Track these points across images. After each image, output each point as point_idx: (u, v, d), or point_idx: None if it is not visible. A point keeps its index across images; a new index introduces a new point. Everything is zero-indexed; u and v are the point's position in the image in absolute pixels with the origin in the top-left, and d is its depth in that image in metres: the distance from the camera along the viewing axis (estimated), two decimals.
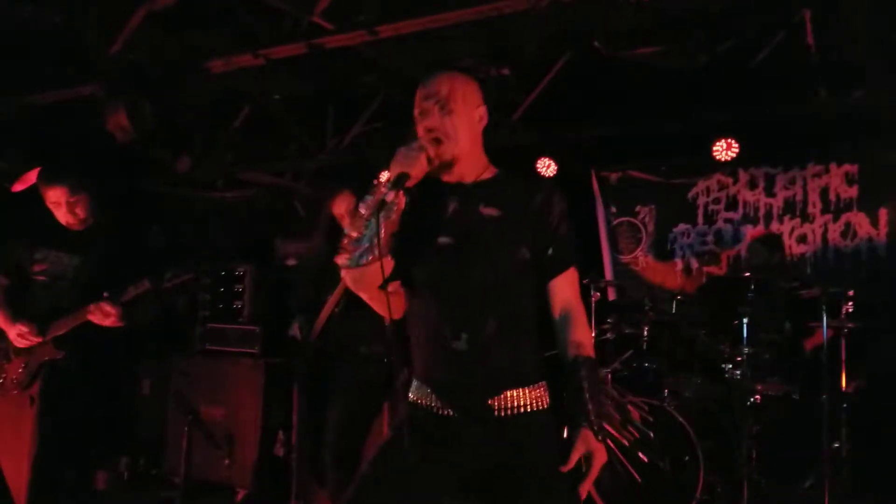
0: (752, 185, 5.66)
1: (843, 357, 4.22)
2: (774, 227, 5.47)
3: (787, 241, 5.39)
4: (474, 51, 4.17)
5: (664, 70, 4.51)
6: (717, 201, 5.75)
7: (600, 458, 1.98)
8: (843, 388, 4.23)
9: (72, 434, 3.21)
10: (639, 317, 4.73)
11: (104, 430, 3.46)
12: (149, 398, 5.63)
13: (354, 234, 1.99)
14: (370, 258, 1.97)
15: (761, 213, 5.61)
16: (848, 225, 5.32)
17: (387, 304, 2.02)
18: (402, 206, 1.97)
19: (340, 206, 3.55)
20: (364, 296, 2.15)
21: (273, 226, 6.13)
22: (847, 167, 5.36)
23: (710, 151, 5.01)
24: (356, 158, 5.37)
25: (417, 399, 2.11)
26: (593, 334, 5.06)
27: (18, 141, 4.60)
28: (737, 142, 4.96)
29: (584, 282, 5.05)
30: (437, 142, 2.05)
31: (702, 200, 5.78)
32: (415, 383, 2.14)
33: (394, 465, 2.03)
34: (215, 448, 5.06)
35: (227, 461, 5.03)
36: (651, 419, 4.14)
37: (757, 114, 4.92)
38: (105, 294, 3.14)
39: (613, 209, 6.10)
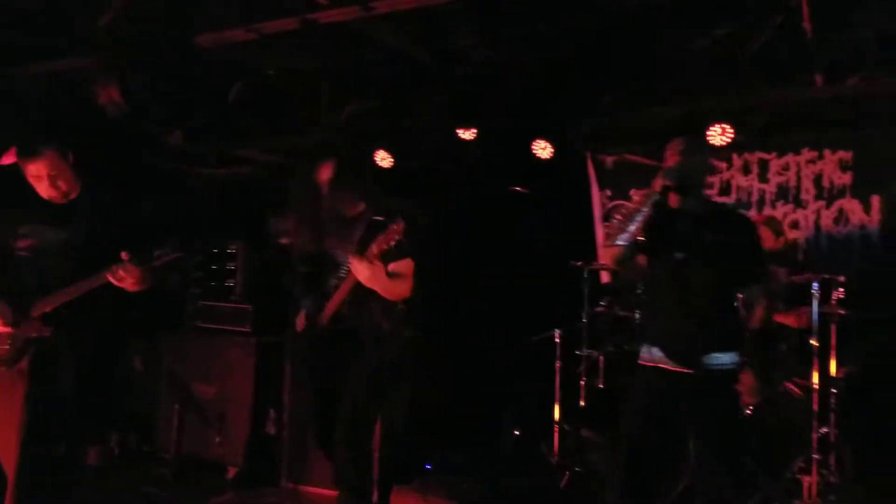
0: (746, 170, 5.65)
1: (834, 343, 4.24)
2: (767, 212, 5.47)
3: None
4: (470, 28, 4.14)
5: (662, 54, 4.49)
6: (710, 186, 5.73)
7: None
8: (833, 374, 4.25)
9: (61, 410, 3.20)
10: (632, 299, 4.73)
11: (95, 406, 3.44)
12: (140, 375, 5.62)
13: (619, 223, 3.01)
14: (622, 241, 2.97)
15: (754, 198, 5.61)
16: (841, 211, 5.32)
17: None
18: (648, 216, 2.96)
19: (325, 173, 3.56)
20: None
21: (267, 203, 6.09)
22: (841, 154, 5.35)
23: (705, 136, 4.99)
24: (351, 135, 5.34)
25: (648, 363, 3.09)
26: (585, 319, 5.10)
27: (7, 114, 4.54)
28: (731, 127, 4.95)
29: (578, 264, 5.06)
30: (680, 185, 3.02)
31: None
32: (645, 348, 3.12)
33: (636, 420, 3.06)
34: (206, 426, 5.06)
35: (218, 439, 5.04)
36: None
37: (752, 99, 4.91)
38: (125, 255, 3.11)
39: (608, 192, 6.09)
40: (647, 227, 2.96)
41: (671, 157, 3.09)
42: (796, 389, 4.31)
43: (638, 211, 2.98)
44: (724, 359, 3.00)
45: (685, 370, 2.99)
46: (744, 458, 3.15)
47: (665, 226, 3.02)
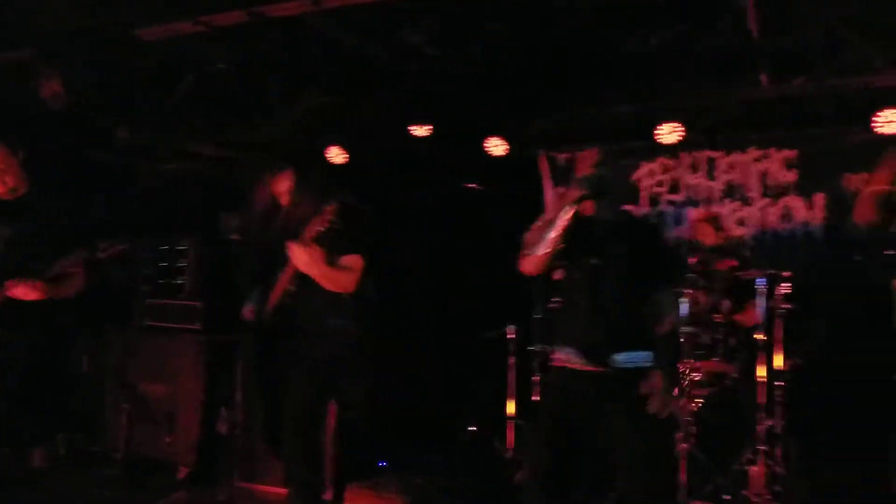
0: (695, 168, 5.76)
1: (779, 337, 4.34)
2: (715, 209, 5.58)
3: (727, 223, 5.50)
4: (425, 26, 4.13)
5: (612, 54, 4.54)
6: (660, 184, 5.83)
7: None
8: (779, 367, 4.35)
9: (3, 410, 3.12)
10: None
11: (39, 405, 3.37)
12: (87, 374, 5.50)
13: (536, 232, 3.04)
14: (544, 250, 3.01)
15: (702, 196, 5.72)
16: (786, 209, 5.46)
17: None
18: (566, 224, 2.98)
19: (282, 184, 3.56)
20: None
21: (217, 199, 6.01)
22: (786, 152, 5.49)
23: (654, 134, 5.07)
24: (303, 130, 5.29)
25: (560, 363, 3.13)
26: (538, 315, 5.14)
27: None
28: (681, 125, 5.03)
29: None
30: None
31: (645, 183, 5.86)
32: (558, 349, 3.16)
33: (549, 420, 3.10)
34: (156, 425, 4.98)
35: (168, 438, 4.96)
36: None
37: (700, 98, 5.00)
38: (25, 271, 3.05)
39: (562, 190, 6.15)
40: (566, 235, 3.01)
41: (585, 167, 3.15)
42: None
43: (555, 219, 3.03)
44: (635, 357, 3.06)
45: (596, 369, 3.05)
46: (660, 455, 3.31)
47: (580, 233, 3.08)
